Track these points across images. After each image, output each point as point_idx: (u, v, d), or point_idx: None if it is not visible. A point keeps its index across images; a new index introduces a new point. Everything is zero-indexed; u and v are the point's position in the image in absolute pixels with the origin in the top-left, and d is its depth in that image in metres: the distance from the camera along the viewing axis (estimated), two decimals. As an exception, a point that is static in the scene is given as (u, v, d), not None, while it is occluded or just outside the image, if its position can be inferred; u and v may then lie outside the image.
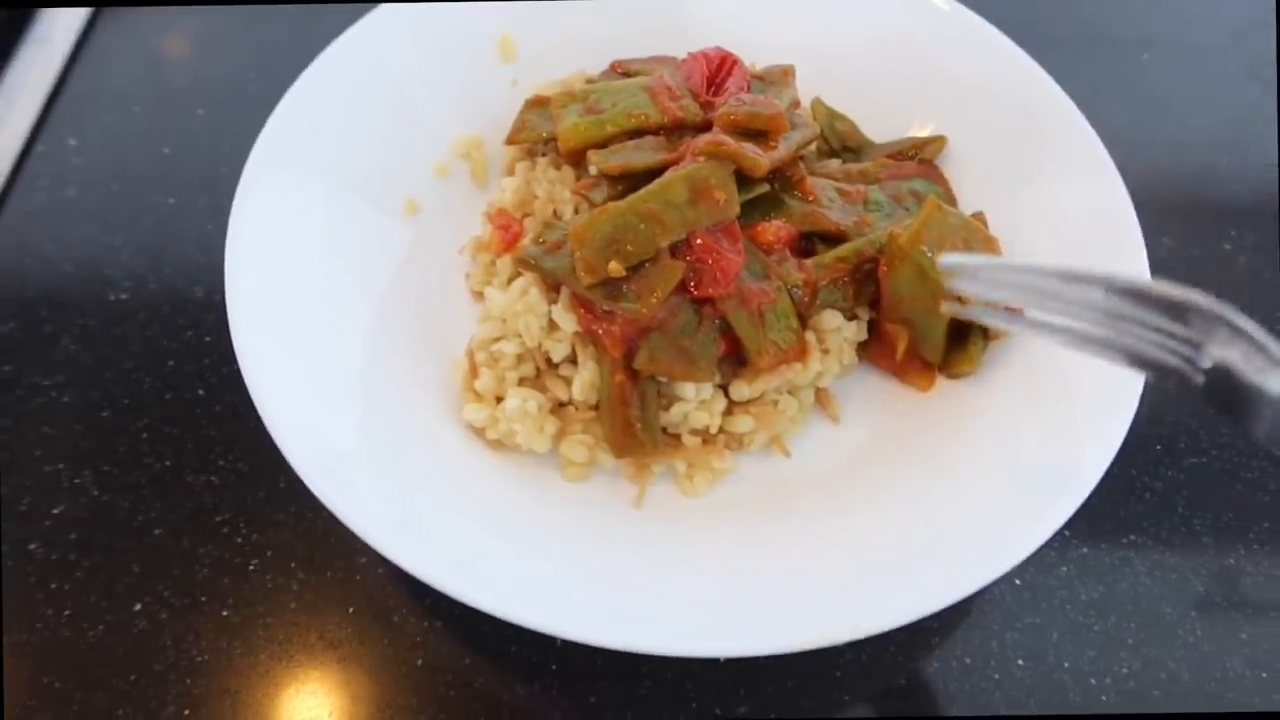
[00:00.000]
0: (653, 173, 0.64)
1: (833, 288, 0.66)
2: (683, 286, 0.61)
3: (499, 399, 0.64)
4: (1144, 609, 0.64)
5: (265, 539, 0.64)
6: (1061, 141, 0.71)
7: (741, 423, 0.64)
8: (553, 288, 0.64)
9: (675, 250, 0.62)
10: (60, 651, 0.60)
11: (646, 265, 0.61)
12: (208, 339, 0.73)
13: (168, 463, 0.67)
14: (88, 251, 0.78)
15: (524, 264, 0.64)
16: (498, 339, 0.65)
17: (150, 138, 0.84)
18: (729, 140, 0.64)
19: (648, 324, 0.61)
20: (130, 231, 0.79)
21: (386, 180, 0.72)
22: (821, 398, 0.68)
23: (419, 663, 0.60)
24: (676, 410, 0.63)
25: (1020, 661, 0.61)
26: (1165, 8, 0.99)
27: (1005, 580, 0.61)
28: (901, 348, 0.66)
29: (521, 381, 0.64)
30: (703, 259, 0.61)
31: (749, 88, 0.71)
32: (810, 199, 0.67)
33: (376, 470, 0.58)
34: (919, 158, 0.75)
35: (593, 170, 0.68)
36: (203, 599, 0.62)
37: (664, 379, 0.63)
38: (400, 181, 0.73)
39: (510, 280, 0.67)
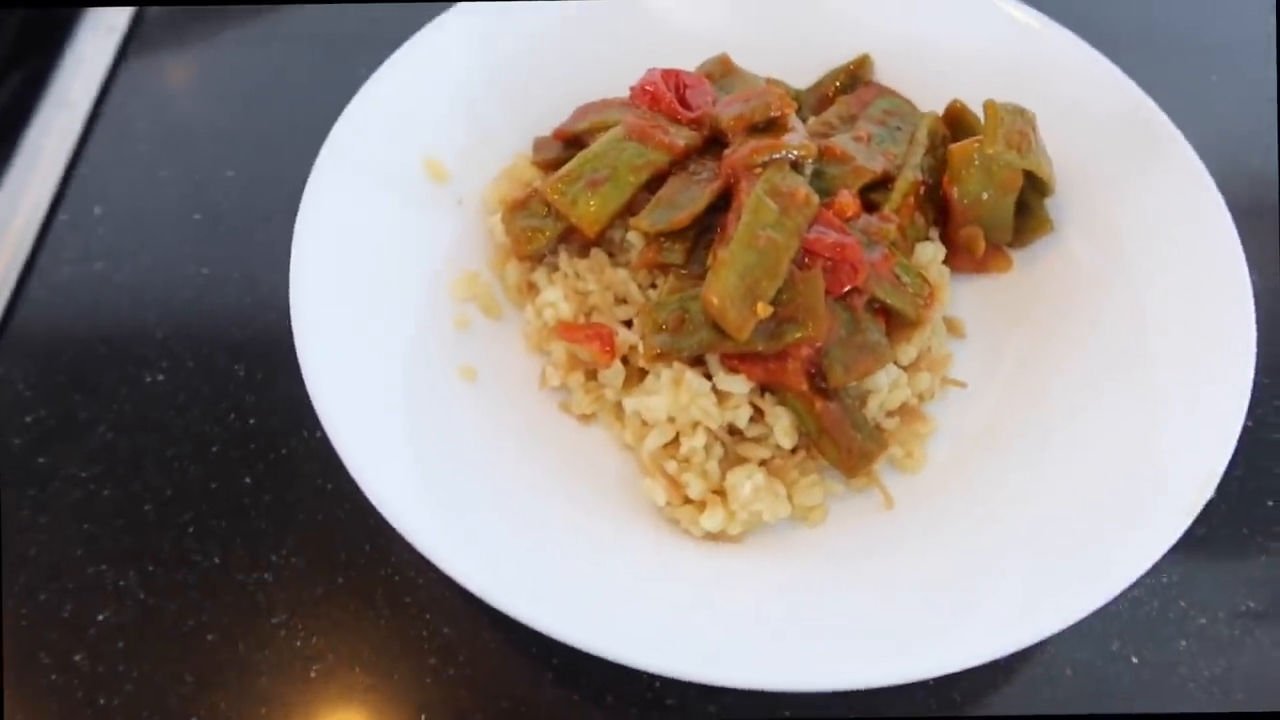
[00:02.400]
0: (710, 208, 0.62)
1: (911, 224, 0.68)
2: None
3: (717, 492, 0.60)
4: None
5: (326, 641, 0.60)
6: (1154, 150, 0.69)
7: (922, 379, 0.65)
8: (692, 362, 0.61)
9: (797, 264, 0.60)
10: (113, 777, 0.56)
11: (783, 293, 0.58)
12: (252, 421, 0.68)
13: (216, 560, 0.63)
14: (119, 330, 0.74)
15: (664, 357, 0.60)
16: (671, 442, 0.61)
17: (179, 203, 0.80)
18: (772, 141, 0.62)
19: (816, 342, 0.58)
20: (164, 307, 0.74)
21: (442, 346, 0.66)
22: (950, 325, 0.69)
23: (498, 774, 0.56)
24: (873, 403, 0.63)
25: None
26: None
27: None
28: (981, 247, 0.69)
29: (721, 465, 0.61)
30: (830, 258, 0.60)
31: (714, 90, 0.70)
32: (845, 160, 0.67)
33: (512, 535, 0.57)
34: (863, 82, 0.77)
35: (632, 238, 0.65)
36: (263, 710, 0.58)
37: (854, 382, 0.61)
38: (447, 348, 0.66)
39: (627, 385, 0.64)
